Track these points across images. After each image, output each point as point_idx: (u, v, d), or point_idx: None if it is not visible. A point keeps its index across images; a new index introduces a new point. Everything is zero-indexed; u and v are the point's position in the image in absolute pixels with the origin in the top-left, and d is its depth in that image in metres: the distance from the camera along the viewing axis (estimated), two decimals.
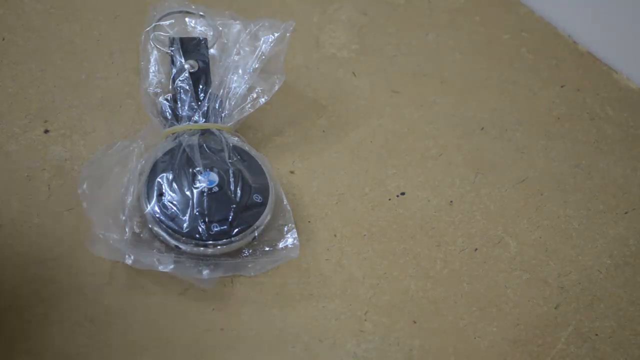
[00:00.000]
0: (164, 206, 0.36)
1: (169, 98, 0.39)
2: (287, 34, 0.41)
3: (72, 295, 0.35)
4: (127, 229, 0.35)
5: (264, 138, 0.42)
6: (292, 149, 0.42)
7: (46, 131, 0.40)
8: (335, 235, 0.39)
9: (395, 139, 0.43)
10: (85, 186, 0.35)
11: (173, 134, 0.38)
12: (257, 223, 0.36)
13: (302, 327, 0.36)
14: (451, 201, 0.41)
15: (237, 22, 0.42)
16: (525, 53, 0.48)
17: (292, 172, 0.41)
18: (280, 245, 0.37)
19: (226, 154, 0.37)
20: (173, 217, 0.35)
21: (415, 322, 0.37)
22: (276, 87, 0.40)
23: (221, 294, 0.37)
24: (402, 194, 0.41)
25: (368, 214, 0.40)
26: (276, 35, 0.41)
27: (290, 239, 0.37)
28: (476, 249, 0.39)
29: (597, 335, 0.37)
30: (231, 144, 0.38)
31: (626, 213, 0.42)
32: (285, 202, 0.38)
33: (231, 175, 0.36)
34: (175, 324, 0.35)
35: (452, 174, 0.42)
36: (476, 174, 0.42)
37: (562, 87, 0.47)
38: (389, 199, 0.41)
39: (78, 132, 0.41)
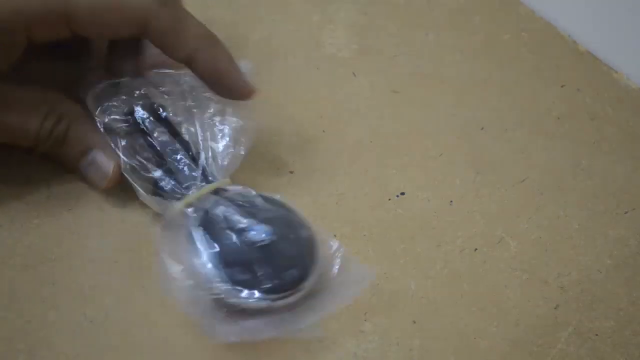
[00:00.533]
0: (240, 274, 0.34)
1: (164, 172, 0.37)
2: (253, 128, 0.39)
3: (72, 296, 0.35)
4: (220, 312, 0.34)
5: (262, 138, 0.42)
6: (292, 148, 0.42)
7: None
8: (334, 236, 0.39)
9: (395, 139, 0.43)
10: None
11: (187, 206, 0.36)
12: (319, 255, 0.35)
13: (301, 327, 0.36)
14: (451, 201, 0.41)
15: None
16: (526, 53, 0.48)
17: (291, 172, 0.41)
18: (338, 270, 0.36)
19: (259, 203, 0.36)
20: (251, 281, 0.34)
21: (415, 322, 0.37)
22: (250, 130, 0.38)
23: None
24: (402, 194, 0.41)
25: (368, 214, 0.40)
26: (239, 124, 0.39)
27: (342, 259, 0.36)
28: (476, 249, 0.39)
29: (597, 335, 0.37)
30: (260, 198, 0.36)
31: (626, 213, 0.42)
32: (320, 228, 0.37)
33: (278, 220, 0.35)
34: (175, 324, 0.35)
35: (452, 174, 0.42)
36: (476, 174, 0.42)
37: (562, 87, 0.47)
38: (389, 199, 0.41)
39: None
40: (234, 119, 0.38)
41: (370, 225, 0.40)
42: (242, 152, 0.38)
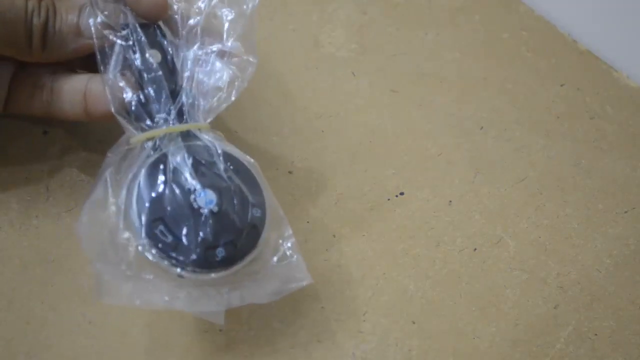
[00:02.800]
0: (162, 233, 0.31)
1: (139, 97, 0.34)
2: (250, 11, 0.37)
3: (71, 297, 0.35)
4: (123, 265, 0.31)
5: (262, 138, 0.42)
6: (291, 149, 0.42)
7: (45, 132, 0.40)
8: (334, 236, 0.39)
9: (394, 138, 0.43)
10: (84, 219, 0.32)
11: (148, 140, 0.33)
12: (260, 241, 0.33)
13: (301, 328, 0.36)
14: (450, 201, 0.41)
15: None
16: (525, 52, 0.48)
17: (290, 172, 0.41)
18: (277, 261, 0.34)
19: (221, 168, 0.33)
20: (173, 245, 0.31)
21: (414, 323, 0.37)
22: (250, 70, 0.36)
23: None
24: (401, 194, 0.41)
25: (367, 214, 0.40)
26: (238, 11, 0.36)
27: (291, 255, 0.34)
28: (475, 249, 0.39)
29: (596, 335, 0.37)
30: (220, 151, 0.34)
31: (626, 212, 0.42)
32: (281, 211, 0.35)
33: (231, 192, 0.33)
34: (174, 325, 0.35)
35: (451, 173, 0.42)
36: (475, 174, 0.42)
37: (561, 86, 0.47)
38: (388, 199, 0.41)
39: (77, 134, 0.41)
40: (235, 59, 0.36)
41: (369, 225, 0.40)
42: (232, 97, 0.35)
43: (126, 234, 0.32)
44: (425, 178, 0.42)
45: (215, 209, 0.32)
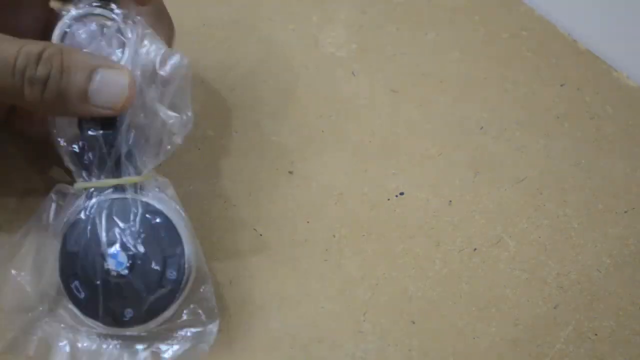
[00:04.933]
0: (77, 288, 0.33)
1: (79, 146, 0.34)
2: (186, 70, 0.35)
3: None
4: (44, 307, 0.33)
5: (261, 138, 0.42)
6: (291, 149, 0.42)
7: None
8: (334, 236, 0.39)
9: (394, 138, 0.43)
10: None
11: (86, 189, 0.34)
12: (172, 303, 0.33)
13: (300, 328, 0.36)
14: (450, 201, 0.41)
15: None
16: (525, 52, 0.48)
17: (290, 173, 0.41)
18: (194, 329, 0.34)
19: (137, 233, 0.33)
20: (85, 301, 0.33)
21: (414, 323, 0.37)
22: (188, 127, 0.35)
23: (220, 295, 0.37)
24: (401, 194, 0.41)
25: (367, 214, 0.40)
26: (168, 70, 0.35)
27: (207, 321, 0.34)
28: (475, 249, 0.39)
29: (596, 335, 0.37)
30: (142, 209, 0.33)
31: (626, 212, 0.42)
32: (205, 268, 0.34)
33: (140, 257, 0.33)
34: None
35: (451, 173, 0.42)
36: (475, 174, 0.42)
37: (561, 85, 0.47)
38: (388, 199, 0.41)
39: None
40: (173, 113, 0.35)
41: (369, 226, 0.40)
42: (166, 154, 0.35)
43: (49, 283, 0.33)
44: (425, 178, 0.42)
45: (125, 272, 0.33)
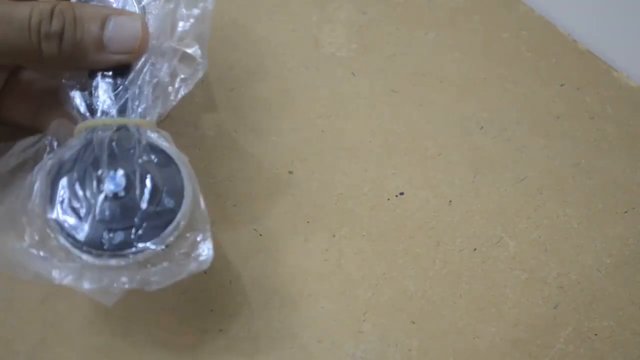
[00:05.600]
0: (66, 212, 0.32)
1: (85, 89, 0.34)
2: (208, 14, 0.36)
3: (72, 298, 0.35)
4: (26, 236, 0.31)
5: (261, 138, 0.42)
6: (291, 149, 0.42)
7: None
8: (333, 236, 0.39)
9: (394, 138, 0.43)
10: None
11: (86, 129, 0.33)
12: (166, 232, 0.32)
13: (300, 328, 0.36)
14: (450, 201, 0.41)
15: None
16: (525, 52, 0.48)
17: (290, 173, 0.41)
18: (191, 255, 0.32)
19: (136, 153, 0.33)
20: (75, 225, 0.31)
21: (414, 323, 0.37)
22: (199, 75, 0.35)
23: (219, 295, 0.37)
24: (401, 194, 0.41)
25: (367, 214, 0.40)
26: (195, 12, 0.36)
27: (202, 249, 0.32)
28: (475, 249, 0.39)
29: (596, 335, 0.37)
30: (145, 142, 0.33)
31: (626, 212, 0.42)
32: (202, 207, 0.33)
33: (138, 177, 0.32)
34: (173, 325, 0.35)
35: (451, 173, 0.42)
36: (475, 174, 0.42)
37: (561, 85, 0.47)
38: (388, 199, 0.41)
39: None
40: (187, 58, 0.35)
41: (369, 226, 0.40)
42: (176, 99, 0.35)
43: (38, 207, 0.32)
44: (425, 178, 0.42)
45: (122, 193, 0.32)
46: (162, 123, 0.36)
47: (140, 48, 0.34)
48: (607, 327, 0.37)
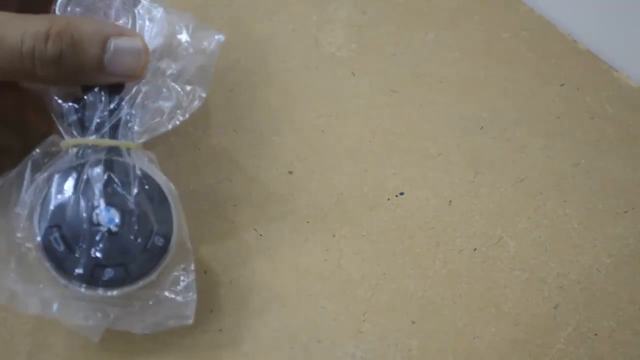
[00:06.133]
0: (56, 240, 0.31)
1: (77, 103, 0.33)
2: (215, 48, 0.36)
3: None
4: (12, 260, 0.31)
5: (261, 138, 0.42)
6: (291, 149, 0.42)
7: None
8: (333, 236, 0.39)
9: (394, 138, 0.43)
10: None
11: (76, 146, 0.33)
12: (155, 270, 0.32)
13: (300, 328, 0.36)
14: (450, 201, 0.41)
15: (157, 10, 0.35)
16: (525, 52, 0.48)
17: (290, 173, 0.41)
18: (172, 297, 0.33)
19: (133, 191, 0.32)
20: (65, 255, 0.31)
21: (414, 323, 0.37)
22: (195, 103, 0.35)
23: (219, 295, 0.37)
24: (401, 194, 0.41)
25: (367, 214, 0.40)
26: (201, 45, 0.35)
27: (185, 293, 0.33)
28: (475, 249, 0.39)
29: (596, 334, 0.37)
30: (139, 173, 0.33)
31: (626, 212, 0.41)
32: (188, 245, 0.33)
33: (135, 216, 0.32)
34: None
35: (451, 173, 0.42)
36: (475, 174, 0.42)
37: (561, 85, 0.47)
38: (388, 199, 0.41)
39: None
40: (186, 86, 0.35)
41: (369, 225, 0.40)
42: (170, 125, 0.34)
43: (23, 233, 0.31)
44: (425, 178, 0.42)
45: (115, 229, 0.32)
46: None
47: (141, 71, 0.33)
48: (607, 327, 0.37)
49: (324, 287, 0.37)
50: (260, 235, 0.39)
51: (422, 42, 0.48)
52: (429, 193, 0.41)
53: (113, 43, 0.32)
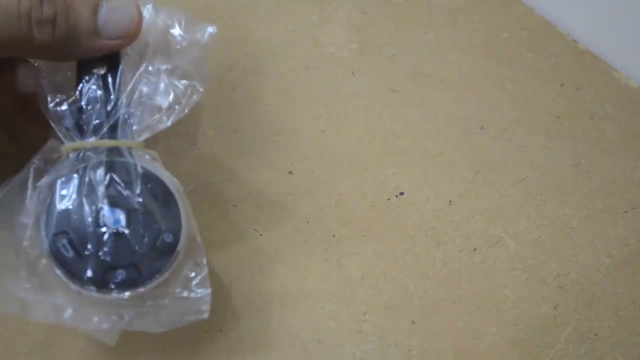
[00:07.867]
0: (64, 246, 0.31)
1: (73, 106, 0.33)
2: (208, 40, 0.35)
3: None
4: (22, 270, 0.31)
5: (261, 138, 0.42)
6: (291, 149, 0.42)
7: None
8: (334, 236, 0.39)
9: (394, 138, 0.43)
10: None
11: (76, 150, 0.32)
12: (166, 269, 0.32)
13: (300, 328, 0.36)
14: (450, 201, 0.41)
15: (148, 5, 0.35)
16: (525, 52, 0.48)
17: (290, 173, 0.41)
18: (187, 294, 0.32)
19: (136, 190, 0.32)
20: (74, 260, 0.31)
21: (414, 323, 0.37)
22: (194, 98, 0.34)
23: (220, 295, 0.37)
24: (401, 194, 0.41)
25: (367, 214, 0.40)
26: (196, 37, 0.35)
27: (199, 288, 0.32)
28: (475, 249, 0.39)
29: (596, 334, 0.37)
30: (141, 171, 0.32)
31: (626, 212, 0.42)
32: (199, 239, 0.33)
33: (141, 215, 0.32)
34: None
35: (451, 173, 0.42)
36: (475, 174, 0.42)
37: (561, 85, 0.47)
38: (388, 199, 0.41)
39: None
40: (183, 81, 0.34)
41: (369, 226, 0.40)
42: (169, 122, 0.34)
43: (30, 242, 0.31)
44: (425, 178, 0.42)
45: (122, 230, 0.31)
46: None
47: (135, 32, 0.33)
48: (607, 327, 0.37)
49: (324, 287, 0.37)
50: (260, 235, 0.39)
51: (422, 42, 0.48)
52: (429, 193, 0.41)
53: (104, 5, 0.32)
